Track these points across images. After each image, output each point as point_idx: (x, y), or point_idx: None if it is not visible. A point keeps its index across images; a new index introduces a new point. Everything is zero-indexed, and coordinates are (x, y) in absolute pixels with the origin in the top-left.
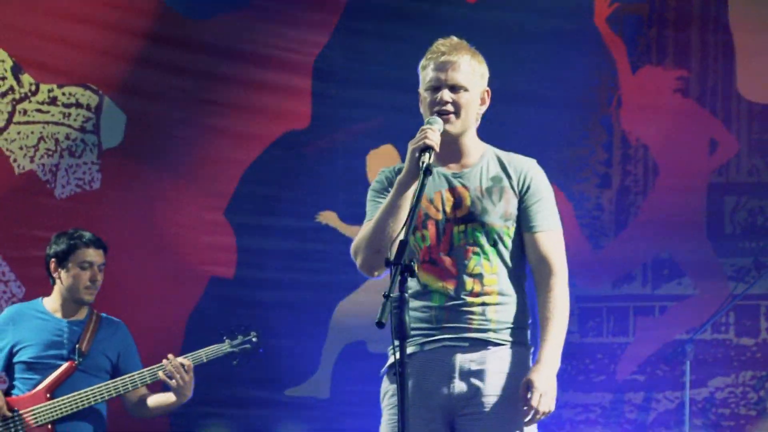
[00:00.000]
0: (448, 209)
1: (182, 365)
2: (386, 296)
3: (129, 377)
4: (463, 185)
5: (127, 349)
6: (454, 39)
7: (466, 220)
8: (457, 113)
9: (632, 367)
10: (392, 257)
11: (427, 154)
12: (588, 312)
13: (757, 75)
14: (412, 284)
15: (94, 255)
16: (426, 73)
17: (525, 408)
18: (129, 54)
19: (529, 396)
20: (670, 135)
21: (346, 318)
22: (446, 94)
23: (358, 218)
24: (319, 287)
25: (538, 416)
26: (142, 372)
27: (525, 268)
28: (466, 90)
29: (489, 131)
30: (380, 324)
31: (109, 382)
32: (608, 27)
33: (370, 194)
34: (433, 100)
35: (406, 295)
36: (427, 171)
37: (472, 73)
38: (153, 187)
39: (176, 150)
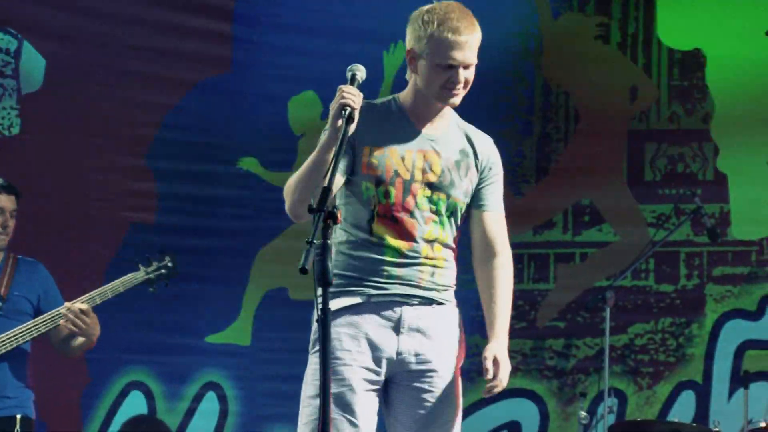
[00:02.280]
0: (417, 171)
1: (81, 311)
2: (309, 243)
3: (48, 316)
4: (436, 151)
5: (48, 290)
6: (463, 9)
7: (433, 188)
8: (465, 88)
9: (552, 314)
10: (315, 204)
11: (347, 114)
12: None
13: (678, 21)
14: (361, 233)
15: (4, 201)
16: (440, 49)
17: (489, 381)
18: (52, 5)
19: (491, 372)
20: (590, 82)
21: (268, 264)
22: (461, 74)
23: (279, 164)
24: (240, 233)
25: (498, 389)
26: (45, 318)
27: (457, 240)
28: (473, 64)
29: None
30: (303, 270)
31: (23, 326)
32: None
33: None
34: (446, 78)
35: (329, 241)
36: (348, 125)
37: (477, 46)
38: (73, 132)
39: (96, 95)
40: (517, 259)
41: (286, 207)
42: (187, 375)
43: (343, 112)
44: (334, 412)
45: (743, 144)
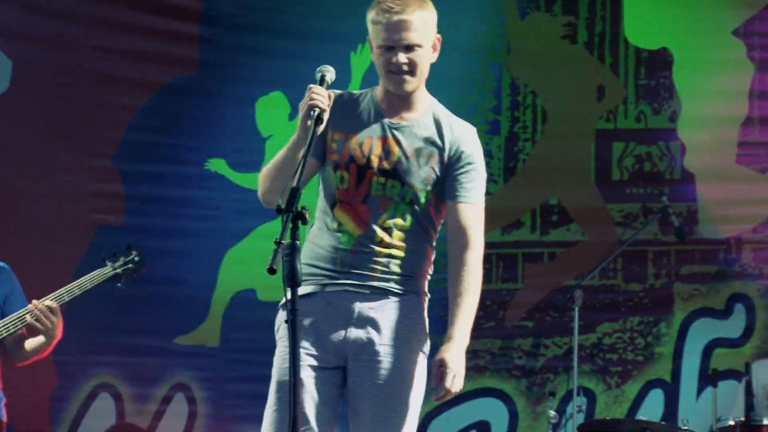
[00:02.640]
0: (373, 157)
1: (49, 308)
2: (278, 243)
3: (10, 319)
4: (396, 139)
5: (12, 293)
6: None
7: (387, 174)
8: (412, 72)
9: (521, 313)
10: (283, 204)
11: (315, 115)
12: None
13: (645, 21)
14: (327, 219)
15: None
16: (377, 31)
17: (437, 388)
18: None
19: (442, 375)
20: (558, 81)
21: (236, 266)
22: (401, 57)
23: (246, 166)
24: (208, 235)
25: (449, 396)
26: (13, 317)
27: (437, 225)
28: (420, 47)
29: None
30: (272, 270)
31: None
32: None
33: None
34: (387, 61)
35: (297, 242)
36: (317, 125)
37: (424, 27)
38: (40, 134)
39: (63, 97)
40: (486, 259)
41: (258, 193)
42: (156, 377)
43: (312, 113)
44: (279, 399)
45: (710, 143)
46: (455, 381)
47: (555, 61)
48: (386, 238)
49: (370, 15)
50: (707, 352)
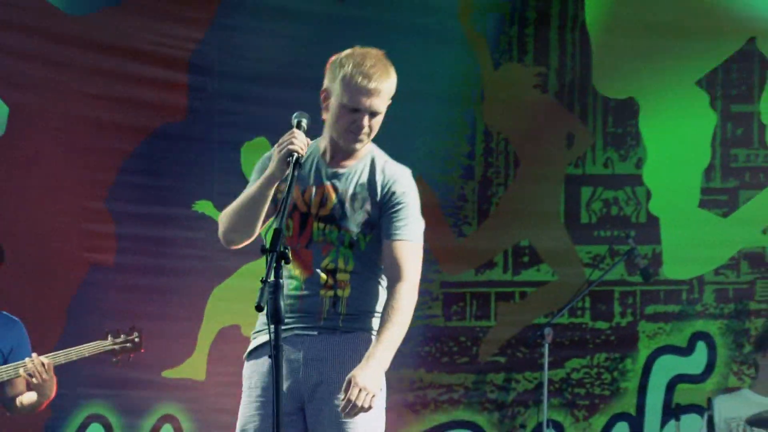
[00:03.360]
0: (313, 205)
1: (43, 364)
2: (263, 281)
3: (8, 368)
4: (334, 186)
5: (20, 346)
6: (375, 54)
7: (326, 220)
8: (369, 135)
9: (494, 349)
10: (268, 245)
11: (294, 159)
12: (452, 297)
13: (612, 72)
14: (286, 270)
15: None
16: (349, 91)
17: (343, 401)
18: (11, 48)
19: (348, 388)
20: (529, 128)
21: (221, 302)
22: (366, 120)
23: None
24: (195, 273)
25: (355, 410)
26: (8, 366)
27: (379, 268)
28: (381, 114)
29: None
30: (259, 308)
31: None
32: (471, 25)
33: (253, 174)
34: (351, 121)
35: (281, 280)
36: (295, 169)
37: (388, 96)
38: (35, 176)
39: (57, 141)
40: (460, 298)
41: (219, 232)
42: (145, 408)
43: (290, 158)
44: None
45: (674, 188)
46: (360, 395)
47: (527, 109)
48: (330, 280)
49: (344, 71)
50: (670, 387)
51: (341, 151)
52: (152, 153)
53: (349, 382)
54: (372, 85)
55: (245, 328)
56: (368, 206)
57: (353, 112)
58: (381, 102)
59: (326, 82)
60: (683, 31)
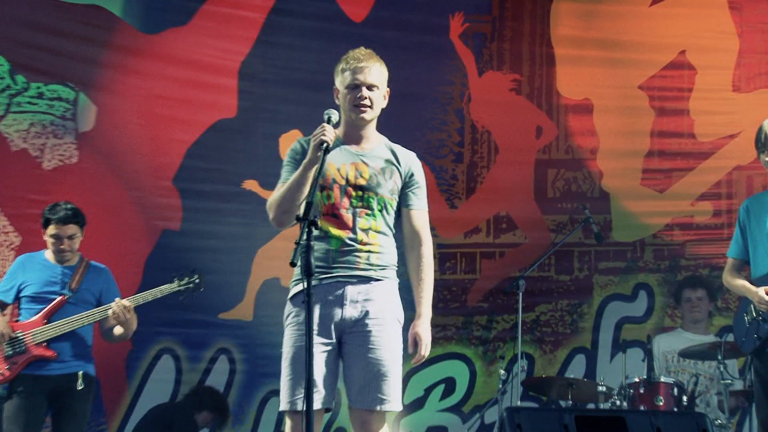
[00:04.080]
0: (351, 178)
1: (125, 306)
2: (297, 243)
3: (102, 309)
4: (364, 162)
5: (108, 290)
6: (364, 49)
7: (363, 189)
8: (372, 106)
9: (478, 297)
10: (301, 214)
11: (324, 148)
12: (446, 256)
13: (572, 78)
14: (316, 231)
15: (62, 230)
16: (345, 76)
17: (416, 354)
18: (98, 60)
19: (418, 345)
20: (506, 123)
21: (264, 260)
22: (365, 92)
23: (272, 185)
24: (243, 237)
25: (423, 360)
26: (99, 309)
27: (396, 232)
28: (378, 88)
29: (378, 121)
30: (293, 264)
31: (84, 313)
32: (461, 41)
33: (285, 159)
34: (354, 96)
35: (312, 242)
36: (325, 155)
37: (380, 76)
38: (117, 160)
39: (135, 133)
40: (452, 256)
41: (271, 218)
42: (205, 343)
43: (322, 145)
44: (293, 370)
45: (621, 170)
46: (427, 348)
47: (504, 108)
48: (366, 238)
49: (339, 67)
50: (618, 327)
51: (357, 135)
52: (209, 142)
53: (415, 339)
54: (361, 64)
55: (284, 279)
56: (396, 178)
57: (354, 89)
58: (373, 77)
59: (336, 84)
60: (628, 45)
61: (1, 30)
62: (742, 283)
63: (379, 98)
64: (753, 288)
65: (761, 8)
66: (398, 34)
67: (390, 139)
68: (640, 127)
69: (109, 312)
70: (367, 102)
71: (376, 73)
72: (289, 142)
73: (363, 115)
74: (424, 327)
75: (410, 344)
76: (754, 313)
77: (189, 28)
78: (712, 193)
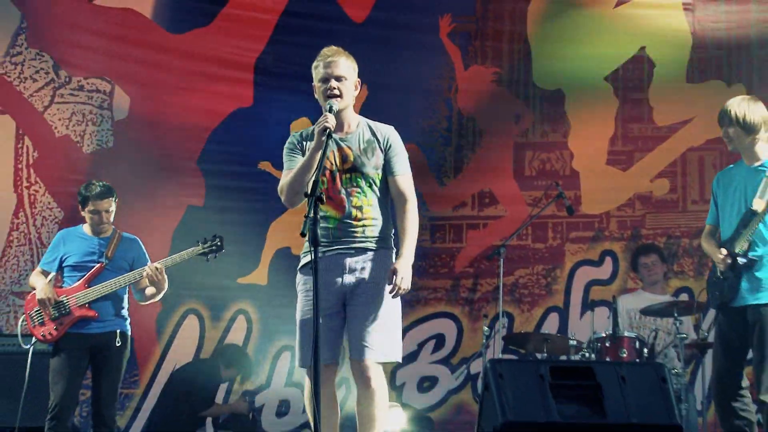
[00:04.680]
0: (338, 163)
1: (157, 268)
2: (306, 216)
3: (136, 272)
4: (348, 146)
5: (139, 257)
6: (334, 47)
7: (350, 171)
8: (341, 95)
9: (465, 263)
10: (309, 191)
11: (327, 134)
12: (436, 227)
13: (546, 71)
14: (322, 205)
15: (99, 205)
16: (318, 71)
17: (391, 285)
18: (131, 56)
19: (394, 278)
20: (489, 111)
21: (277, 232)
22: (333, 83)
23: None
24: (258, 211)
25: (400, 291)
26: (134, 272)
27: (388, 199)
28: (345, 79)
29: (376, 110)
30: (303, 234)
31: (120, 277)
32: (449, 39)
33: (285, 150)
34: (326, 88)
35: (318, 216)
36: (329, 139)
37: (347, 68)
38: (148, 144)
39: (163, 120)
40: (442, 227)
41: (284, 200)
42: (225, 304)
43: (326, 131)
44: (304, 333)
45: (589, 151)
46: (403, 281)
47: (487, 97)
48: (359, 214)
49: (314, 65)
50: (587, 289)
51: (337, 119)
52: (229, 128)
53: (394, 272)
54: (329, 59)
55: (294, 249)
56: (378, 153)
57: (325, 81)
58: (341, 69)
59: (314, 81)
60: (595, 42)
61: (46, 30)
62: (711, 247)
63: (348, 88)
64: (716, 250)
65: (711, 9)
66: (394, 33)
67: (390, 124)
68: (605, 114)
69: (144, 274)
70: (336, 92)
71: (343, 65)
72: (299, 128)
73: (332, 101)
74: (402, 264)
75: (388, 277)
76: (717, 273)
77: (211, 29)
78: (668, 171)
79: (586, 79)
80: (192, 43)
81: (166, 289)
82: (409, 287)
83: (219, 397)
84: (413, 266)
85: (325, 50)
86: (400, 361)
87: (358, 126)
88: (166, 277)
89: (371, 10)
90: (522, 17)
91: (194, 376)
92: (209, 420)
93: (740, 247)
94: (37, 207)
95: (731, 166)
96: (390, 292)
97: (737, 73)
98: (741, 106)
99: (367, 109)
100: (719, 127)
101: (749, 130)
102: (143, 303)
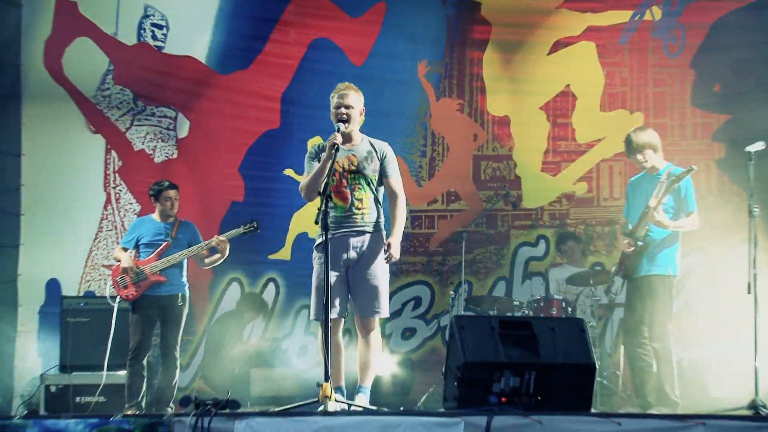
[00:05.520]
0: (346, 166)
1: (221, 240)
2: (319, 209)
3: (196, 246)
4: (354, 155)
5: (194, 237)
6: (347, 83)
7: (354, 172)
8: (348, 120)
9: (436, 244)
10: (321, 190)
11: (335, 148)
12: (415, 217)
13: (496, 102)
14: (331, 201)
15: (168, 194)
16: (333, 99)
17: (386, 255)
18: (190, 91)
19: (388, 249)
20: (454, 131)
21: (298, 220)
22: (343, 110)
23: (303, 172)
24: (284, 205)
25: (392, 259)
26: (202, 243)
27: (381, 195)
28: (353, 107)
29: (371, 129)
30: (317, 222)
31: (188, 249)
32: (425, 79)
33: (306, 159)
34: (338, 113)
35: (328, 208)
36: (336, 152)
37: (355, 99)
38: (202, 156)
39: (214, 138)
40: (419, 218)
41: (303, 195)
42: (259, 274)
43: (334, 146)
44: (318, 296)
45: (528, 161)
46: (395, 252)
47: (452, 122)
48: (359, 205)
49: (332, 95)
50: (526, 264)
51: (349, 139)
52: (261, 144)
53: (389, 246)
54: (341, 92)
55: (310, 233)
56: (375, 161)
57: (337, 108)
58: (349, 100)
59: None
60: (532, 81)
61: (127, 72)
62: (621, 236)
63: (355, 114)
64: (622, 238)
65: (619, 57)
66: (384, 73)
67: (383, 140)
68: (540, 134)
69: (213, 243)
70: (344, 117)
71: (352, 97)
72: (315, 144)
73: (341, 124)
74: (394, 241)
75: (384, 250)
76: (625, 253)
77: (249, 71)
78: (586, 177)
79: (526, 109)
80: (235, 81)
81: (227, 255)
82: (398, 257)
83: (246, 338)
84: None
85: (340, 85)
86: (388, 316)
87: (362, 141)
88: (228, 245)
89: (368, 57)
90: (479, 62)
91: (227, 322)
92: (238, 356)
93: (640, 233)
94: (121, 202)
95: (640, 174)
96: (384, 260)
97: (637, 104)
98: (635, 133)
99: (364, 128)
100: (625, 152)
101: (637, 150)
102: (204, 267)
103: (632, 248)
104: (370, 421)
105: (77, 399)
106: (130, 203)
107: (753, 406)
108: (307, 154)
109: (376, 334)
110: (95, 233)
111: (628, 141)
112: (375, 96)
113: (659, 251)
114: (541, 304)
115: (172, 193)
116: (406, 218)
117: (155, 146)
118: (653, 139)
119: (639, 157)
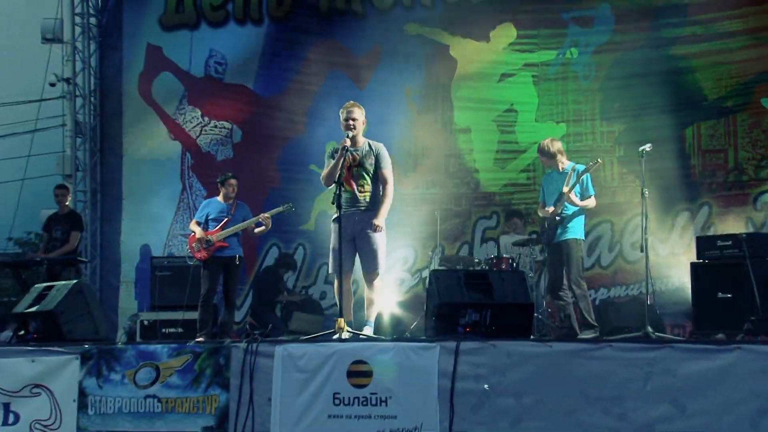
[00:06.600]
0: (352, 162)
1: (265, 216)
2: (334, 193)
3: (248, 221)
4: (358, 153)
5: (247, 214)
6: (353, 102)
7: (358, 166)
8: (354, 128)
9: (419, 219)
10: (336, 180)
11: (345, 150)
12: (403, 200)
13: (461, 117)
14: (342, 188)
15: (232, 182)
16: (343, 113)
17: (376, 227)
18: (242, 109)
19: (376, 223)
20: (430, 137)
21: (320, 201)
22: (351, 122)
23: (323, 166)
24: (310, 190)
25: (378, 229)
26: (252, 219)
27: (378, 183)
28: (357, 120)
29: (372, 135)
30: (333, 202)
31: (243, 223)
32: (409, 99)
33: (325, 156)
34: (346, 124)
35: (342, 192)
36: (346, 152)
37: (359, 113)
38: (251, 155)
39: (259, 142)
40: (408, 199)
41: (324, 183)
42: (293, 240)
43: (344, 148)
44: (334, 256)
45: (484, 158)
46: (380, 224)
47: (430, 131)
48: (363, 190)
49: (341, 110)
50: (483, 232)
51: (353, 141)
52: (292, 146)
53: (376, 220)
54: (348, 108)
55: (329, 210)
56: (372, 158)
57: (345, 120)
58: (354, 114)
59: (340, 119)
60: (487, 101)
61: (197, 96)
62: (542, 211)
63: (359, 124)
64: (545, 210)
65: (547, 84)
66: (382, 96)
67: (380, 142)
68: (493, 138)
69: (260, 218)
70: (351, 126)
71: (356, 112)
72: (330, 146)
73: (349, 132)
74: (379, 216)
75: (372, 221)
76: (545, 225)
77: (284, 93)
78: (526, 169)
79: (483, 121)
80: (274, 101)
81: (270, 227)
82: (383, 227)
83: (282, 287)
84: (392, 221)
85: (347, 103)
86: (383, 270)
87: (364, 143)
88: (270, 220)
89: (368, 83)
90: (449, 87)
91: (268, 275)
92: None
93: (558, 210)
94: (193, 189)
95: (550, 171)
96: (373, 230)
97: (561, 117)
98: (547, 144)
99: (366, 134)
100: (543, 157)
101: (552, 156)
102: (253, 236)
103: (558, 218)
104: (372, 345)
105: (163, 330)
106: (200, 190)
107: (645, 333)
108: (326, 154)
109: (377, 283)
110: (175, 212)
111: (546, 149)
112: (374, 111)
113: (570, 222)
114: (494, 261)
115: (233, 181)
116: (397, 201)
117: (217, 149)
118: (561, 146)
119: (556, 159)
